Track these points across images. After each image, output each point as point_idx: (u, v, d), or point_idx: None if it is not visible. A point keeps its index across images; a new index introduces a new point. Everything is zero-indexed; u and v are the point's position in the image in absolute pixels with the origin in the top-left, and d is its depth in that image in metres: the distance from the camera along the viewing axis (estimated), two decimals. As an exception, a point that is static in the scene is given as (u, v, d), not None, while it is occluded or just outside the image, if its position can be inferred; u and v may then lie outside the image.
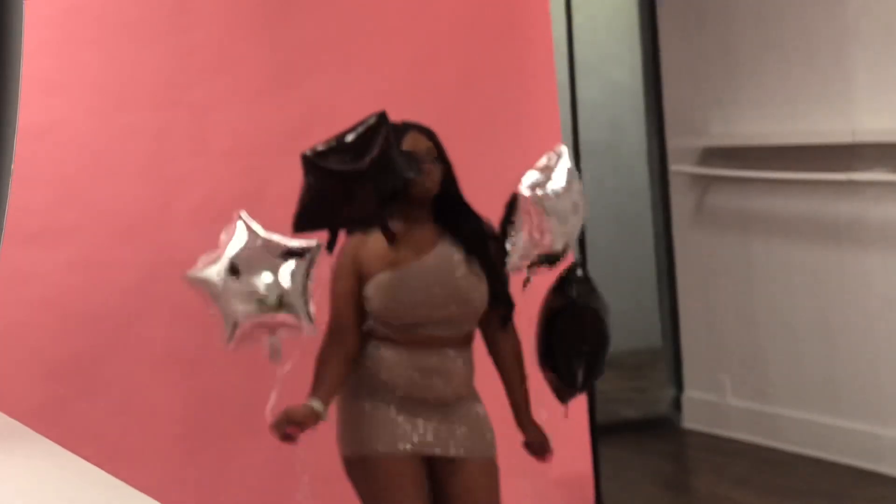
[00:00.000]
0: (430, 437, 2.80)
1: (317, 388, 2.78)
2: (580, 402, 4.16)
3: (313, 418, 2.75)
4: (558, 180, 2.97)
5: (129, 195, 3.43)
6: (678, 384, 5.91)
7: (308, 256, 2.88)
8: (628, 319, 7.50)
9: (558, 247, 2.96)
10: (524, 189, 2.90)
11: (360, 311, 2.84)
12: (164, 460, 3.41)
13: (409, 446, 2.79)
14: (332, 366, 2.80)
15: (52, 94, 3.32)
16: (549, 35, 4.08)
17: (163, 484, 3.16)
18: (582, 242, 4.44)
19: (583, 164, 4.45)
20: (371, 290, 2.81)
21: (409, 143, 2.82)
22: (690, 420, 5.81)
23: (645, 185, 6.38)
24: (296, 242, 2.90)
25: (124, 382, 3.38)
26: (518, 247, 2.91)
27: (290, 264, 2.86)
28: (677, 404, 5.90)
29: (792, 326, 5.23)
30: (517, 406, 3.02)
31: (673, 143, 5.88)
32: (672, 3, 5.86)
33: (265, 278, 2.85)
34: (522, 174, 4.05)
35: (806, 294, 5.17)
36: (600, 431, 4.43)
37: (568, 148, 4.26)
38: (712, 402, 5.69)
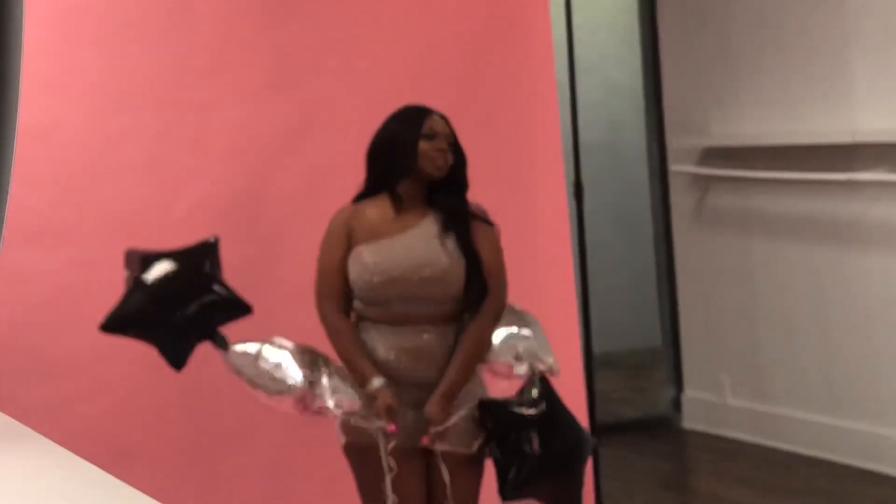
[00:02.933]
0: (410, 427, 2.78)
1: (364, 370, 2.77)
2: (580, 402, 4.15)
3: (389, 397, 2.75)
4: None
5: (129, 195, 3.43)
6: (678, 384, 5.91)
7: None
8: (628, 319, 7.52)
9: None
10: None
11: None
12: (164, 460, 3.40)
13: (399, 440, 2.78)
14: (355, 341, 2.82)
15: (52, 94, 3.31)
16: (549, 35, 4.08)
17: (163, 484, 3.16)
18: (582, 242, 4.44)
19: (583, 164, 4.45)
20: (351, 261, 2.83)
21: (433, 122, 2.85)
22: (690, 420, 5.81)
23: (645, 185, 6.38)
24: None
25: (124, 382, 3.38)
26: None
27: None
28: (677, 404, 5.90)
29: (792, 326, 5.23)
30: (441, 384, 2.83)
31: (673, 143, 5.88)
32: (672, 3, 5.86)
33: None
34: (522, 174, 4.06)
35: (806, 294, 5.17)
36: (600, 431, 4.43)
37: (568, 148, 4.27)
38: (712, 402, 5.69)
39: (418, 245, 2.81)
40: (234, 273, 3.58)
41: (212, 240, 2.89)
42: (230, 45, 3.58)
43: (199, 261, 2.84)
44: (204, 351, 3.50)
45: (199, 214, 3.49)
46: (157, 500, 1.46)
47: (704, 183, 5.69)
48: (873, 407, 4.88)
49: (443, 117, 2.91)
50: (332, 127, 3.69)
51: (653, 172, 6.10)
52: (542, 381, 2.90)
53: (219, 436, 3.50)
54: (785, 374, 5.30)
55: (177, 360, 2.83)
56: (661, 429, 5.82)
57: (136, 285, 2.80)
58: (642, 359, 7.23)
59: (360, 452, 2.84)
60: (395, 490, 2.78)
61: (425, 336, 2.81)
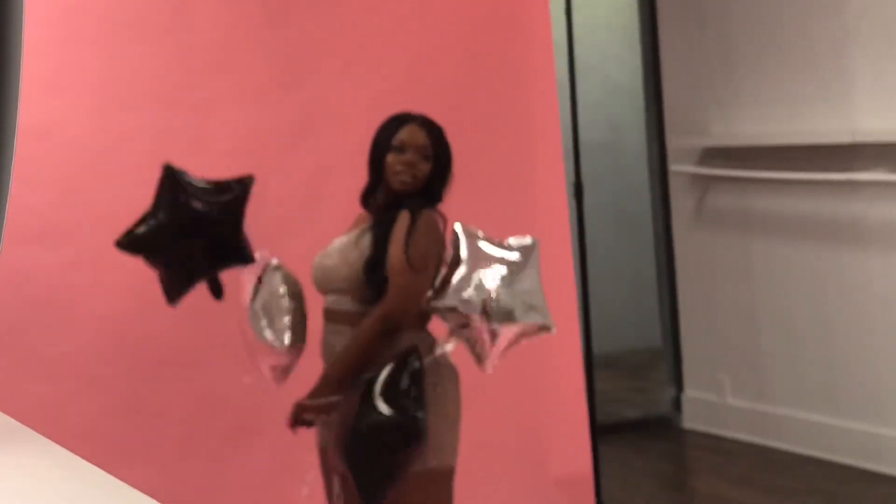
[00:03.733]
0: (326, 427, 2.78)
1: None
2: (580, 402, 4.16)
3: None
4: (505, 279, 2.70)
5: (129, 195, 3.42)
6: (678, 384, 5.91)
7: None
8: (628, 319, 7.52)
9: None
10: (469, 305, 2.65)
11: None
12: (164, 460, 3.40)
13: (322, 438, 2.82)
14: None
15: (52, 94, 3.31)
16: (549, 35, 4.08)
17: (163, 484, 3.16)
18: (582, 242, 4.44)
19: (583, 164, 4.45)
20: None
21: (405, 133, 2.81)
22: (690, 420, 5.81)
23: (645, 185, 6.38)
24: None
25: (124, 382, 3.38)
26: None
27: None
28: (677, 404, 5.90)
29: (792, 326, 5.23)
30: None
31: (673, 143, 5.88)
32: (672, 3, 5.86)
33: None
34: (522, 174, 4.06)
35: (806, 294, 5.17)
36: (600, 431, 4.44)
37: (568, 148, 4.27)
38: (712, 402, 5.69)
39: (342, 245, 2.81)
40: (234, 273, 3.58)
41: (247, 179, 2.89)
42: (230, 45, 3.58)
43: (225, 198, 2.85)
44: (204, 351, 3.50)
45: (199, 214, 3.49)
46: (157, 500, 1.46)
47: (704, 183, 5.69)
48: (873, 407, 4.88)
49: (425, 125, 2.84)
50: (332, 127, 3.69)
51: (653, 172, 6.10)
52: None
53: (219, 436, 3.50)
54: (785, 374, 5.30)
55: (174, 294, 2.84)
56: (661, 429, 5.82)
57: (157, 207, 2.82)
58: (642, 359, 7.23)
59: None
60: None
61: (337, 335, 2.78)
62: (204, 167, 3.52)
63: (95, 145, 3.40)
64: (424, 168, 2.80)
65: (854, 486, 4.70)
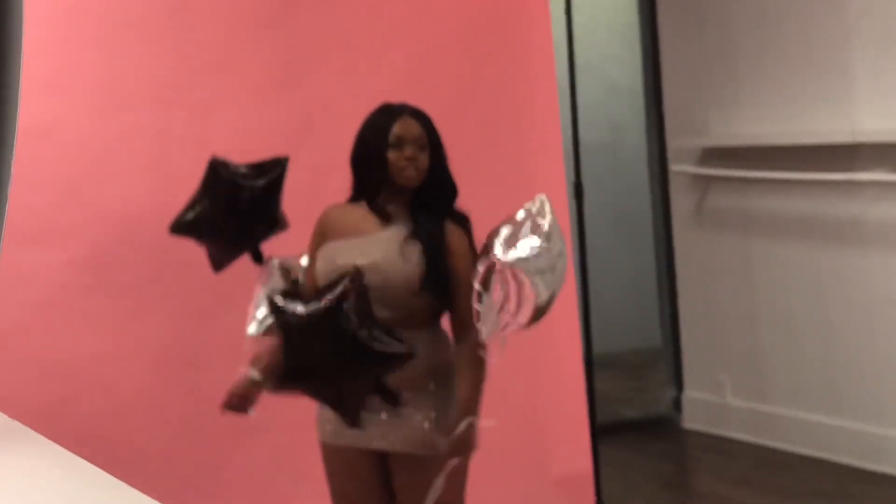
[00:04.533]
0: (370, 429, 2.72)
1: (256, 357, 2.84)
2: (580, 402, 4.16)
3: (254, 386, 2.81)
4: (536, 237, 2.67)
5: (130, 195, 3.43)
6: (678, 384, 5.91)
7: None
8: (628, 319, 7.52)
9: (543, 300, 2.78)
10: (499, 252, 2.64)
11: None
12: (164, 460, 3.40)
13: (344, 439, 2.76)
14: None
15: (52, 94, 3.31)
16: (549, 35, 4.08)
17: (163, 484, 3.16)
18: (582, 242, 4.44)
19: (583, 164, 4.45)
20: (319, 256, 2.84)
21: (400, 127, 2.78)
22: (690, 420, 5.81)
23: (645, 185, 6.38)
24: None
25: (124, 382, 3.38)
26: (488, 318, 2.72)
27: None
28: (677, 404, 5.90)
29: (792, 326, 5.23)
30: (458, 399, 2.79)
31: (673, 143, 5.88)
32: (672, 3, 5.86)
33: None
34: (522, 174, 4.05)
35: (806, 294, 5.17)
36: (600, 431, 4.43)
37: (568, 148, 4.27)
38: (712, 402, 5.69)
39: (366, 247, 2.75)
40: (234, 272, 3.58)
41: (283, 159, 3.05)
42: (230, 44, 3.58)
43: (262, 182, 3.01)
44: (204, 351, 3.50)
45: (199, 214, 3.49)
46: (157, 500, 1.46)
47: (704, 183, 5.69)
48: (873, 407, 4.88)
49: (415, 115, 2.82)
50: (332, 127, 3.69)
51: (653, 172, 6.10)
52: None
53: (219, 436, 3.50)
54: (785, 374, 5.30)
55: (219, 265, 3.06)
56: (661, 429, 5.82)
57: (202, 194, 3.01)
58: (642, 359, 7.23)
59: (321, 450, 2.86)
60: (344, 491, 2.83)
61: None
62: (204, 167, 3.52)
63: (95, 145, 3.40)
64: (424, 160, 2.78)
65: (854, 486, 4.70)
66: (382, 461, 2.80)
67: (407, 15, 3.83)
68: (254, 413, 2.89)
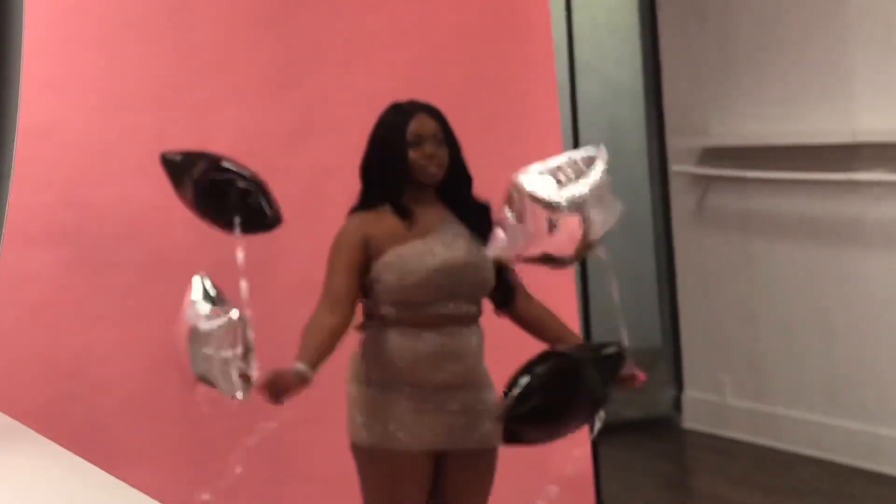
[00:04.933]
0: (438, 432, 2.74)
1: (303, 353, 2.70)
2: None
3: (301, 382, 2.67)
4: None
5: (130, 195, 3.43)
6: (678, 384, 5.91)
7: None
8: (628, 319, 7.50)
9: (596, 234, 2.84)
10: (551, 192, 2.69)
11: (357, 289, 2.78)
12: (164, 460, 3.40)
13: (416, 444, 2.73)
14: (320, 333, 2.71)
15: (52, 94, 3.31)
16: (549, 35, 4.07)
17: (163, 484, 3.16)
18: (582, 242, 4.44)
19: (583, 164, 4.45)
20: (381, 268, 2.74)
21: (416, 125, 2.77)
22: (690, 420, 5.81)
23: (645, 185, 6.37)
24: None
25: (124, 382, 3.38)
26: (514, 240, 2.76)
27: None
28: (677, 404, 5.90)
29: (792, 326, 5.23)
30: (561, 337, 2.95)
31: (673, 143, 5.87)
32: (672, 3, 5.86)
33: None
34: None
35: (806, 294, 5.16)
36: (600, 431, 4.43)
37: (568, 148, 4.26)
38: (712, 402, 5.69)
39: (450, 248, 2.76)
40: (234, 272, 3.57)
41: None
42: (230, 44, 3.57)
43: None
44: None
45: (199, 214, 3.49)
46: (157, 500, 1.46)
47: (704, 183, 5.68)
48: (873, 407, 4.88)
49: (428, 111, 2.83)
50: (332, 127, 3.69)
51: (653, 172, 6.10)
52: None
53: (219, 436, 3.50)
54: (785, 375, 5.30)
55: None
56: (662, 429, 5.82)
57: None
58: (642, 359, 7.19)
59: (369, 454, 2.80)
60: (402, 495, 2.77)
61: (462, 334, 2.77)
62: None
63: (95, 145, 3.40)
64: (443, 156, 2.78)
65: (854, 486, 4.70)
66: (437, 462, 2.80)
67: (407, 15, 3.83)
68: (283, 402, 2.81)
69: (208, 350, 2.68)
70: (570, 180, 2.74)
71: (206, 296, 2.81)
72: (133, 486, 1.50)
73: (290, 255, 3.58)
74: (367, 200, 2.84)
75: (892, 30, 4.76)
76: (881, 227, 4.83)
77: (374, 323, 2.81)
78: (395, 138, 2.77)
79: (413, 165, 2.75)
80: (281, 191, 3.62)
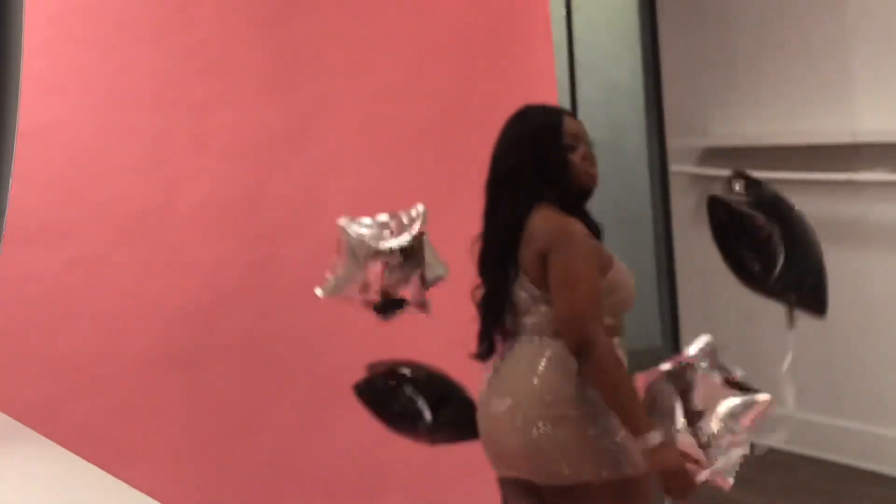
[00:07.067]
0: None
1: (645, 422, 2.42)
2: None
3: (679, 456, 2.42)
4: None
5: (129, 195, 3.43)
6: (678, 384, 5.90)
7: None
8: (628, 319, 7.51)
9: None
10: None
11: None
12: (164, 460, 3.40)
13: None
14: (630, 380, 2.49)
15: (52, 94, 3.31)
16: (549, 35, 4.08)
17: (163, 484, 3.16)
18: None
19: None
20: (612, 283, 2.54)
21: (572, 126, 2.59)
22: (690, 420, 5.80)
23: (645, 185, 6.38)
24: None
25: (124, 382, 3.38)
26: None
27: None
28: (677, 404, 5.90)
29: (792, 326, 5.22)
30: None
31: (673, 143, 5.87)
32: (672, 3, 5.86)
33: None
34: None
35: (806, 294, 5.16)
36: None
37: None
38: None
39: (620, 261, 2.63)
40: (234, 273, 3.58)
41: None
42: (230, 44, 3.57)
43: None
44: (204, 351, 3.50)
45: (199, 214, 3.49)
46: (157, 500, 1.46)
47: (704, 183, 5.68)
48: (873, 407, 4.88)
49: (572, 114, 2.71)
50: (332, 127, 3.69)
51: (653, 172, 6.10)
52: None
53: (219, 436, 3.50)
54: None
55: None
56: (661, 429, 5.81)
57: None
58: (642, 359, 7.22)
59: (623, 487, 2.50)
60: None
61: (618, 349, 2.61)
62: (204, 167, 3.52)
63: (95, 145, 3.40)
64: (595, 158, 2.62)
65: (854, 486, 4.70)
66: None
67: (407, 15, 3.83)
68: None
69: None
70: (392, 234, 2.69)
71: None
72: (133, 486, 1.50)
73: (290, 255, 3.58)
74: (516, 208, 2.55)
75: (892, 30, 4.76)
76: (881, 227, 4.83)
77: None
78: (554, 139, 2.54)
79: (574, 169, 2.54)
80: (281, 191, 3.63)
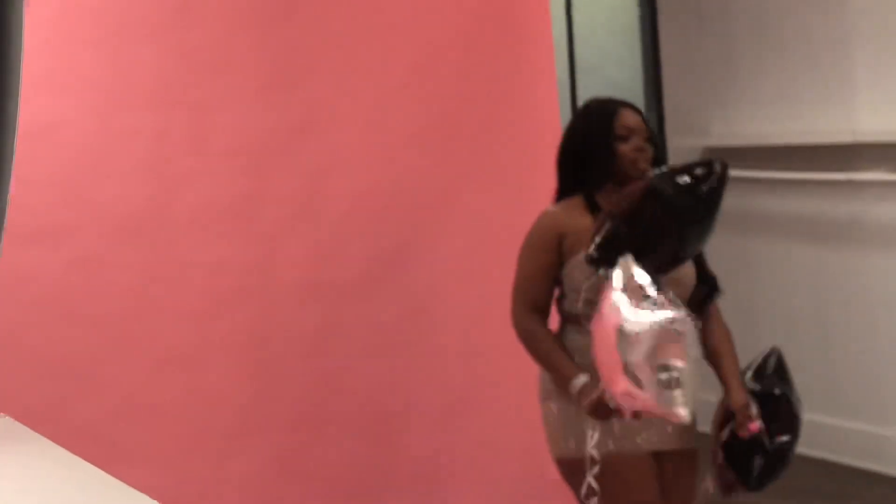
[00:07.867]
0: (654, 433, 2.73)
1: (570, 367, 2.64)
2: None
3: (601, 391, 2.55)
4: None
5: (129, 195, 3.43)
6: (678, 384, 5.91)
7: None
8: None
9: None
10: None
11: (552, 292, 2.69)
12: (164, 460, 3.40)
13: (652, 444, 2.77)
14: (558, 343, 2.67)
15: (52, 94, 3.31)
16: (549, 35, 4.08)
17: (163, 484, 3.16)
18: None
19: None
20: (573, 268, 2.63)
21: (627, 118, 2.68)
22: (690, 420, 5.81)
23: (645, 185, 6.38)
24: None
25: (124, 382, 3.38)
26: None
27: None
28: (677, 404, 5.90)
29: (792, 326, 5.23)
30: (729, 376, 3.02)
31: (673, 143, 5.87)
32: (672, 3, 5.86)
33: None
34: (522, 174, 4.05)
35: (806, 294, 5.16)
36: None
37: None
38: (712, 403, 5.68)
39: None
40: (234, 273, 3.58)
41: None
42: (230, 44, 3.57)
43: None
44: (204, 351, 3.50)
45: (199, 214, 3.49)
46: (157, 500, 1.46)
47: (704, 183, 5.69)
48: (873, 407, 4.88)
49: (634, 109, 2.75)
50: (332, 127, 3.69)
51: (653, 172, 6.10)
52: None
53: (219, 436, 3.50)
54: (785, 374, 5.30)
55: None
56: (661, 429, 5.81)
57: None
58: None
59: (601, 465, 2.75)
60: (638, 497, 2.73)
61: None
62: (204, 167, 3.52)
63: (95, 145, 3.40)
64: (650, 153, 2.71)
65: (854, 486, 4.70)
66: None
67: (407, 15, 3.83)
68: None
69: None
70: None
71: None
72: (133, 486, 1.50)
73: (290, 255, 3.58)
74: (561, 193, 2.74)
75: (892, 30, 4.76)
76: (881, 227, 4.83)
77: (571, 326, 2.71)
78: (605, 130, 2.66)
79: (623, 159, 2.66)
80: (281, 191, 3.63)
